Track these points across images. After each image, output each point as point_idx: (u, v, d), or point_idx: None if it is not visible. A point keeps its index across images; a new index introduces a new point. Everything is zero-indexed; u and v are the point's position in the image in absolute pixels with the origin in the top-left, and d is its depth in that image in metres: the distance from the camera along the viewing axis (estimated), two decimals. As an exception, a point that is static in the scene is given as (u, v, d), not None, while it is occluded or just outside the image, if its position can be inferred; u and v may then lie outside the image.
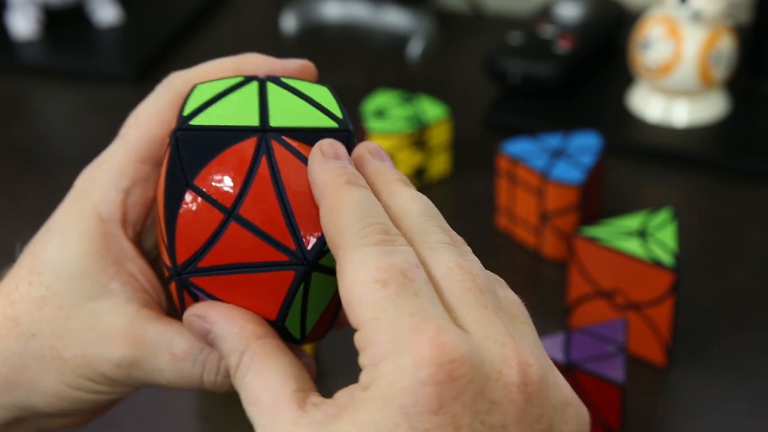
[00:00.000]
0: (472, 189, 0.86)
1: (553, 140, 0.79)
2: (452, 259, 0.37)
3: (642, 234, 0.67)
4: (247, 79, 0.43)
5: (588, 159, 0.77)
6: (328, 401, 0.36)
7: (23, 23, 1.07)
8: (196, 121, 0.41)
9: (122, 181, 0.44)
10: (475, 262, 0.37)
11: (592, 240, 0.67)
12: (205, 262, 0.40)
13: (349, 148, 0.42)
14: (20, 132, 0.97)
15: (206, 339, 0.41)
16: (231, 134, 0.41)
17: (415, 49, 1.05)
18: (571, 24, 0.97)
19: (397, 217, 0.38)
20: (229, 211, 0.40)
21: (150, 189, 0.44)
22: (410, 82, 1.00)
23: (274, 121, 0.41)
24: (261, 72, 0.45)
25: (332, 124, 0.42)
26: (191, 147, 0.41)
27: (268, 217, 0.40)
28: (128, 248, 0.44)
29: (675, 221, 0.68)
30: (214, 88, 0.43)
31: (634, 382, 0.65)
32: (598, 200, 0.80)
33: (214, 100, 0.42)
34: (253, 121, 0.41)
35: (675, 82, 0.89)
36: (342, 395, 0.35)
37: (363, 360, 0.34)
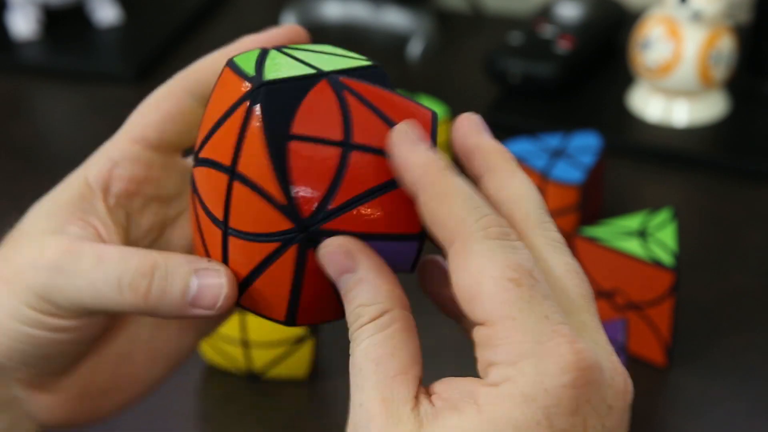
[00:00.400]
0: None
1: (553, 140, 0.79)
2: (569, 262, 0.38)
3: (642, 234, 0.67)
4: (264, 51, 0.43)
5: (588, 159, 0.77)
6: (434, 396, 0.36)
7: (23, 23, 1.07)
8: (269, 76, 0.40)
9: (113, 152, 0.46)
10: (577, 263, 0.38)
11: (592, 240, 0.67)
12: (336, 202, 0.39)
13: (386, 83, 0.42)
14: (20, 132, 0.97)
15: (339, 276, 0.39)
16: (303, 83, 0.40)
17: (415, 49, 1.05)
18: (571, 24, 0.97)
19: (511, 203, 0.38)
20: (344, 143, 0.39)
21: (138, 167, 0.46)
22: (410, 82, 1.00)
23: (325, 67, 0.41)
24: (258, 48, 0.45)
25: (366, 62, 0.42)
26: (275, 100, 0.40)
27: (376, 136, 0.40)
28: (101, 210, 0.45)
29: (675, 221, 0.68)
30: (250, 56, 0.42)
31: (634, 382, 0.65)
32: (598, 200, 0.80)
33: (261, 61, 0.41)
34: (309, 69, 0.41)
35: (675, 82, 0.89)
36: (450, 389, 0.35)
37: (493, 356, 0.35)
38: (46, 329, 0.43)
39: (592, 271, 0.68)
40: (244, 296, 0.42)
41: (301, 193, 0.39)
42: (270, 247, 0.40)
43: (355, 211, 0.40)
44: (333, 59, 0.42)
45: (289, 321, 0.42)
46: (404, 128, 0.39)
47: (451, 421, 0.34)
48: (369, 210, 0.40)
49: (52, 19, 1.10)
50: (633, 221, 0.68)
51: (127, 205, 0.46)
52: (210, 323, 0.50)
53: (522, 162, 0.77)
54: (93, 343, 0.46)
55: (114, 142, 0.46)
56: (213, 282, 0.41)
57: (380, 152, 0.40)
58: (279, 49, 0.43)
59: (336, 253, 0.39)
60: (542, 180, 0.75)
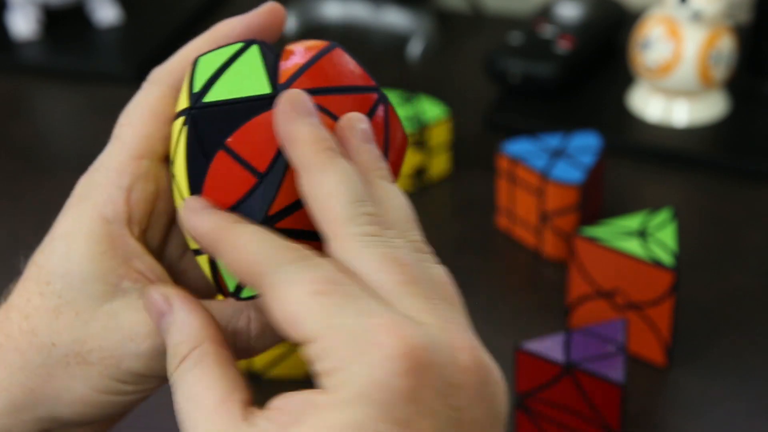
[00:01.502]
0: (472, 189, 0.86)
1: (553, 140, 0.79)
2: (378, 251, 0.37)
3: (642, 234, 0.67)
4: (247, 44, 0.43)
5: (588, 159, 0.77)
6: (272, 411, 0.36)
7: (23, 23, 1.07)
8: (209, 98, 0.41)
9: (123, 179, 0.43)
10: (403, 249, 0.37)
11: (592, 240, 0.67)
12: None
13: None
14: (20, 132, 0.97)
15: (159, 320, 0.41)
16: (247, 105, 0.41)
17: (415, 49, 1.05)
18: (571, 24, 0.97)
19: (321, 202, 0.38)
20: (263, 175, 0.40)
21: (150, 184, 0.44)
22: (410, 82, 1.00)
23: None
24: (233, 35, 0.44)
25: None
26: (209, 123, 0.41)
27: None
28: (135, 246, 0.43)
29: (675, 221, 0.68)
30: (217, 58, 0.42)
31: (634, 382, 0.65)
32: (598, 200, 0.80)
33: (220, 71, 0.42)
34: (266, 88, 0.41)
35: (675, 82, 0.89)
36: (290, 403, 0.35)
37: (322, 367, 0.35)
38: (132, 393, 0.44)
39: (592, 271, 0.68)
40: None
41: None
42: None
43: None
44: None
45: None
46: (187, 204, 0.41)
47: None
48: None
49: (52, 19, 1.10)
50: (633, 221, 0.68)
51: (150, 225, 0.45)
52: None
53: (522, 162, 0.77)
54: None
55: (114, 168, 0.44)
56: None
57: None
58: (262, 44, 0.43)
59: (155, 299, 0.41)
60: (542, 180, 0.75)
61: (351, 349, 0.34)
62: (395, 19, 1.09)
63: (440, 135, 0.85)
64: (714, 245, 0.80)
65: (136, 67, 1.02)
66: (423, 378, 0.34)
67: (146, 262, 0.44)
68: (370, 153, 0.40)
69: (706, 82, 0.89)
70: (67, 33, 1.09)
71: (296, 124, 0.39)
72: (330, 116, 0.41)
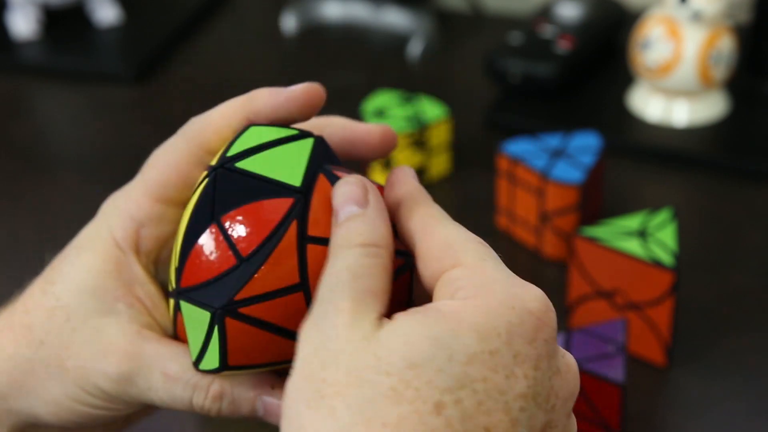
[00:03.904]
0: (472, 189, 0.86)
1: (553, 140, 0.79)
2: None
3: (642, 234, 0.67)
4: (303, 134, 0.43)
5: (588, 159, 0.77)
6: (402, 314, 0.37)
7: (23, 23, 1.07)
8: (241, 165, 0.42)
9: (138, 213, 0.45)
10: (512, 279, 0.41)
11: (592, 240, 0.67)
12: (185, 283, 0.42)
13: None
14: (20, 132, 0.97)
15: (345, 204, 0.41)
16: (269, 187, 0.41)
17: (415, 49, 1.05)
18: (571, 24, 0.97)
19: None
20: (244, 259, 0.40)
21: (164, 227, 0.46)
22: (410, 82, 1.00)
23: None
24: (269, 106, 0.45)
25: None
26: (228, 186, 0.41)
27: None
28: (139, 273, 0.45)
29: (675, 221, 0.68)
30: (268, 134, 0.43)
31: (634, 382, 0.65)
32: (598, 200, 0.80)
33: (263, 147, 0.42)
34: (296, 180, 0.41)
35: (675, 82, 0.89)
36: (414, 309, 0.37)
37: (465, 284, 0.37)
38: (102, 409, 0.45)
39: (592, 271, 0.68)
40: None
41: (187, 268, 0.42)
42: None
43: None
44: None
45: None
46: (402, 168, 0.44)
47: (409, 322, 0.36)
48: None
49: (52, 19, 1.10)
50: (633, 221, 0.68)
51: (160, 261, 0.46)
52: None
53: (522, 162, 0.77)
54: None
55: (134, 200, 0.46)
56: (277, 402, 0.44)
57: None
58: (319, 140, 0.43)
59: (354, 184, 0.41)
60: (542, 180, 0.75)
61: (500, 278, 0.38)
62: (395, 19, 1.09)
63: (440, 135, 0.85)
64: (714, 245, 0.80)
65: (136, 67, 1.02)
66: (545, 333, 0.37)
67: (147, 290, 0.45)
68: None
69: (706, 82, 0.89)
70: (67, 33, 1.09)
71: (409, 185, 0.43)
72: None
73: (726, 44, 0.88)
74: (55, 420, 0.45)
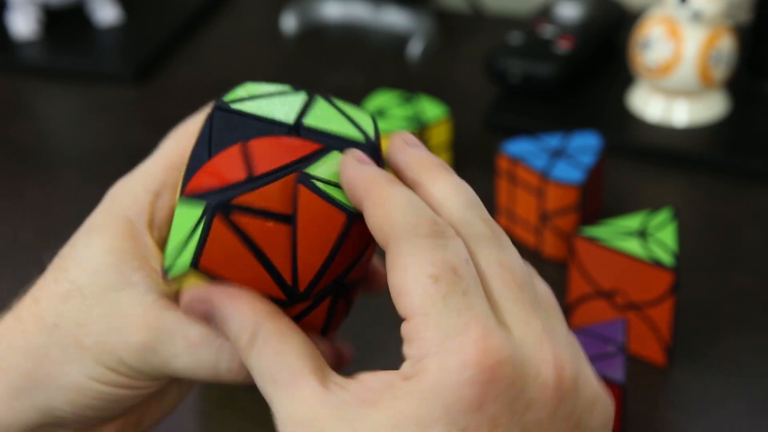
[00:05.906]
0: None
1: (553, 140, 0.79)
2: (492, 254, 0.38)
3: (642, 234, 0.67)
4: (296, 89, 0.45)
5: (588, 159, 0.77)
6: (354, 383, 0.37)
7: (23, 23, 1.07)
8: (236, 106, 0.43)
9: (152, 183, 0.45)
10: (514, 256, 0.39)
11: (592, 240, 0.67)
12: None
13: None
14: (20, 132, 0.97)
15: (210, 324, 0.41)
16: (262, 124, 0.43)
17: (415, 49, 1.05)
18: (571, 24, 0.97)
19: (438, 206, 0.39)
20: (254, 177, 0.41)
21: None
22: (410, 82, 1.00)
23: (307, 121, 0.43)
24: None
25: (360, 137, 0.43)
26: (224, 125, 0.43)
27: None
28: (152, 247, 0.45)
29: (675, 221, 0.68)
30: (262, 88, 0.45)
31: (634, 382, 0.65)
32: (598, 200, 0.80)
33: (258, 96, 0.44)
34: (288, 119, 0.43)
35: (675, 82, 0.89)
36: (373, 380, 0.36)
37: (409, 351, 0.36)
38: (124, 387, 0.45)
39: (592, 271, 0.68)
40: None
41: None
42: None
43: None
44: (339, 123, 0.44)
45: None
46: (353, 152, 0.41)
47: (367, 414, 0.35)
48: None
49: (52, 19, 1.10)
50: (633, 221, 0.68)
51: (163, 227, 0.46)
52: None
53: (522, 162, 0.77)
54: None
55: (147, 173, 0.46)
56: None
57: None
58: (311, 95, 0.45)
59: (193, 307, 0.41)
60: (542, 180, 0.76)
61: (438, 345, 0.35)
62: (395, 19, 1.09)
63: (440, 135, 0.85)
64: (714, 245, 0.80)
65: (136, 67, 1.02)
66: (493, 391, 0.35)
67: (160, 263, 0.45)
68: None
69: (706, 82, 0.89)
70: (67, 33, 1.09)
71: (409, 152, 0.41)
72: None
73: (726, 44, 0.89)
74: (73, 410, 0.45)
